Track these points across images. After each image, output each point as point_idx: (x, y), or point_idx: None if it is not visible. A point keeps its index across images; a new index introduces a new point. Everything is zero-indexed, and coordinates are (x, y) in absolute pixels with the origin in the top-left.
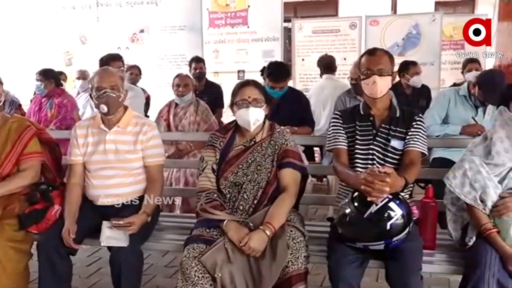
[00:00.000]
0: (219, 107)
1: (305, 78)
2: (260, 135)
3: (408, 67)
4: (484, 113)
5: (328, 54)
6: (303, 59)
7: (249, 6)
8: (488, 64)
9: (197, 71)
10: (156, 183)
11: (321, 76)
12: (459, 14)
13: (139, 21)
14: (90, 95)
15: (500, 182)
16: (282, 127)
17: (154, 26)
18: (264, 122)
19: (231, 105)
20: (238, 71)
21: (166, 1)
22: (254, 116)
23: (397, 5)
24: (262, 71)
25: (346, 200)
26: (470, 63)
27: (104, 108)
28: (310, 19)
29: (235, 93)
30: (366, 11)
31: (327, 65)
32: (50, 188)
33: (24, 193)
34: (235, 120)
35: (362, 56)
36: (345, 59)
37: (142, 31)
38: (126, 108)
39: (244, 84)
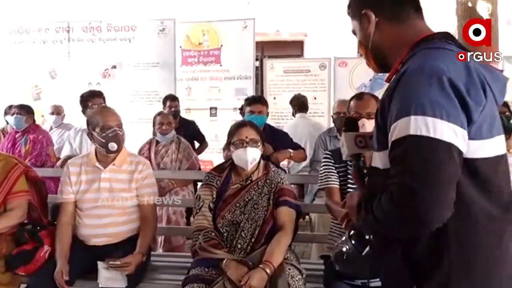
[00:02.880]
0: (202, 140)
1: (276, 116)
2: (256, 174)
3: None
4: None
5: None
6: (274, 98)
7: (222, 45)
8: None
9: (172, 109)
10: (150, 222)
11: (293, 115)
12: None
13: (112, 57)
14: (90, 134)
15: None
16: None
17: (127, 62)
18: (259, 161)
19: (228, 145)
20: (211, 108)
21: (139, 38)
22: (252, 156)
23: None
24: (240, 109)
25: (343, 239)
26: None
27: (115, 146)
28: (281, 59)
29: (232, 133)
30: (332, 52)
31: (300, 104)
32: (38, 227)
33: (10, 233)
34: (230, 159)
35: (351, 100)
36: (315, 98)
37: (114, 67)
38: None
39: (242, 125)
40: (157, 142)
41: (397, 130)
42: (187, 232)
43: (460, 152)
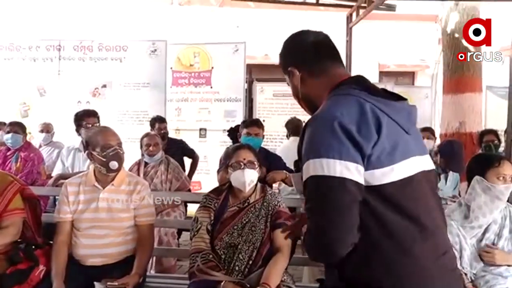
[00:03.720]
0: (193, 154)
1: (265, 138)
2: (253, 196)
3: None
4: (446, 179)
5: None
6: (263, 120)
7: (212, 68)
8: None
9: (162, 131)
10: (147, 242)
11: (287, 137)
12: (400, 85)
13: (102, 76)
14: (90, 154)
15: (478, 242)
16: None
17: (117, 82)
18: (256, 184)
19: (225, 167)
20: (200, 129)
21: (130, 59)
22: (249, 178)
23: None
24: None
25: None
26: (423, 131)
27: (116, 165)
28: (271, 83)
29: (230, 155)
30: None
31: (295, 128)
32: (33, 246)
33: (4, 252)
34: (227, 182)
35: None
36: (304, 122)
37: (104, 86)
38: None
39: (239, 147)
40: (146, 163)
41: (304, 172)
42: (179, 253)
43: (356, 183)
